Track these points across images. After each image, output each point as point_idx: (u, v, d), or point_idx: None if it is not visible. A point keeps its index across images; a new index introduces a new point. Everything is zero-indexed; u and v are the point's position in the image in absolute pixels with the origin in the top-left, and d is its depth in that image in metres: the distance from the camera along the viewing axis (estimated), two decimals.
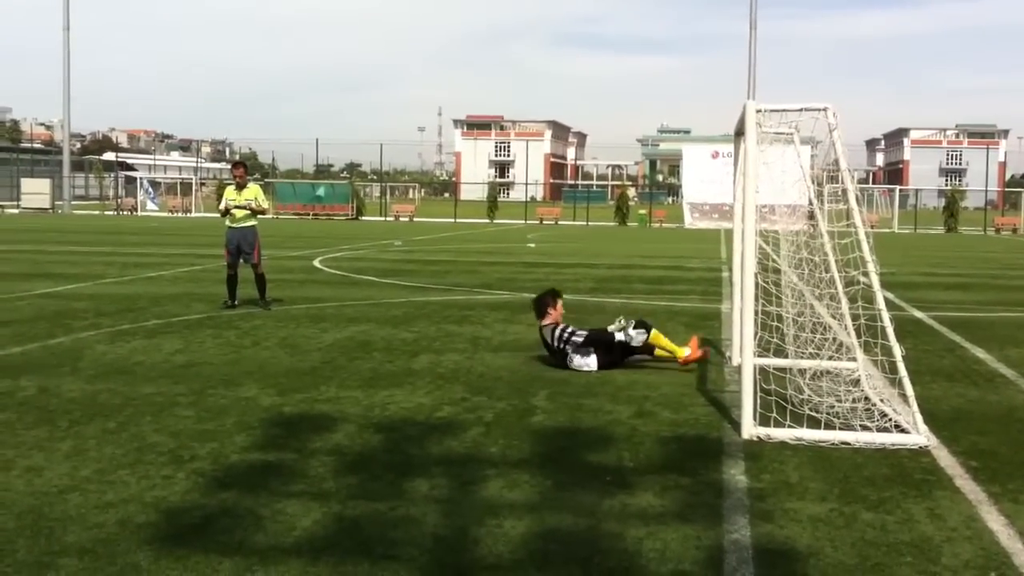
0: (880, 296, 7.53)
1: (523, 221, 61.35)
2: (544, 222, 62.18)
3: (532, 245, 35.16)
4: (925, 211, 74.73)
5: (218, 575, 4.61)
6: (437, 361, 10.38)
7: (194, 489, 5.93)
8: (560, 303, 10.54)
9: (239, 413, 7.89)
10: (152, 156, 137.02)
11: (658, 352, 10.17)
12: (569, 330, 10.12)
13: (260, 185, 15.86)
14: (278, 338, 11.80)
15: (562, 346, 10.03)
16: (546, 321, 10.33)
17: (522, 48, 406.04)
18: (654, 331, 10.16)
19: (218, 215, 15.34)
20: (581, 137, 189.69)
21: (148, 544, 4.98)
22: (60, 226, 44.77)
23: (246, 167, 15.60)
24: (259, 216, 14.88)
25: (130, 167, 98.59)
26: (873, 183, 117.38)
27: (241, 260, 14.66)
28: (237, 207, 14.60)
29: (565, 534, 5.26)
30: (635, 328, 10.01)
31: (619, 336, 9.92)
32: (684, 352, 10.11)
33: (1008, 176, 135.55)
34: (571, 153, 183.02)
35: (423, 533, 5.23)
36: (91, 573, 4.61)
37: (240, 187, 14.78)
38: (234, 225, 14.71)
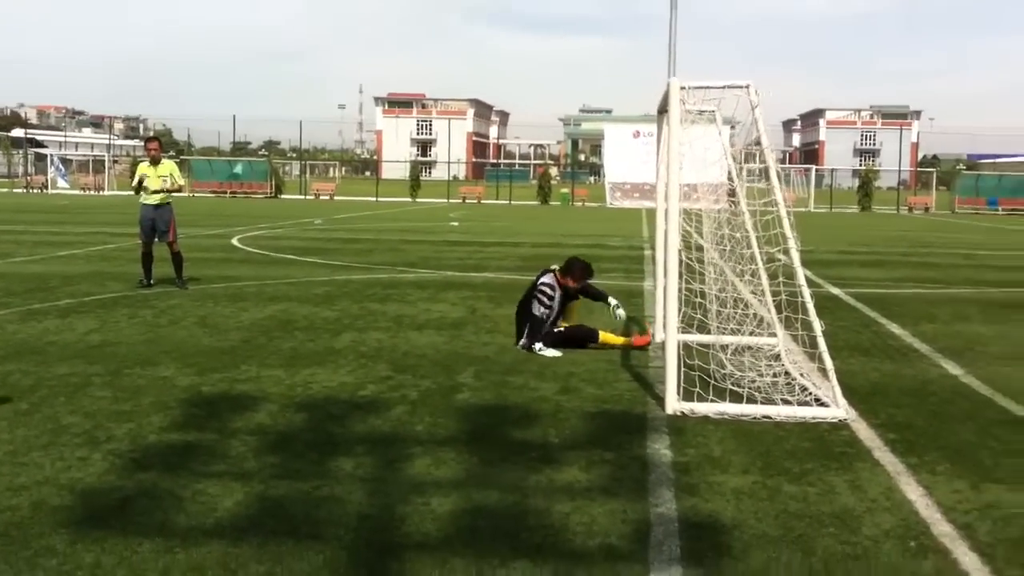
0: (801, 272, 7.63)
1: (446, 200, 61.20)
2: (467, 201, 62.10)
3: (455, 224, 35.07)
4: (840, 191, 76.16)
5: (138, 556, 4.49)
6: (360, 340, 10.27)
7: (111, 471, 5.77)
8: (578, 283, 10.11)
9: (156, 393, 7.71)
10: (63, 133, 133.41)
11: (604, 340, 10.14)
12: (547, 297, 9.88)
13: (175, 162, 15.53)
14: (196, 317, 11.57)
15: (532, 293, 9.95)
16: (561, 278, 10.07)
17: (445, 26, 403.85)
18: (601, 334, 10.06)
19: (132, 192, 14.93)
20: (503, 116, 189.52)
21: (64, 527, 4.83)
22: None
23: (160, 142, 15.24)
24: (174, 194, 14.55)
25: (40, 144, 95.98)
26: (789, 163, 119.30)
27: (156, 239, 14.33)
28: (154, 191, 14.15)
29: (492, 510, 5.23)
30: (548, 348, 9.68)
31: (536, 346, 9.64)
32: (631, 339, 10.18)
33: (920, 156, 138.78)
34: (494, 132, 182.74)
35: (348, 512, 5.16)
36: (4, 557, 4.46)
37: (154, 162, 14.41)
38: (148, 202, 14.35)
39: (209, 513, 5.09)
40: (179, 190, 14.70)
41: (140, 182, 14.31)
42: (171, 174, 14.45)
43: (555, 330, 10.02)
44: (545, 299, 9.90)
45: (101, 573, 4.32)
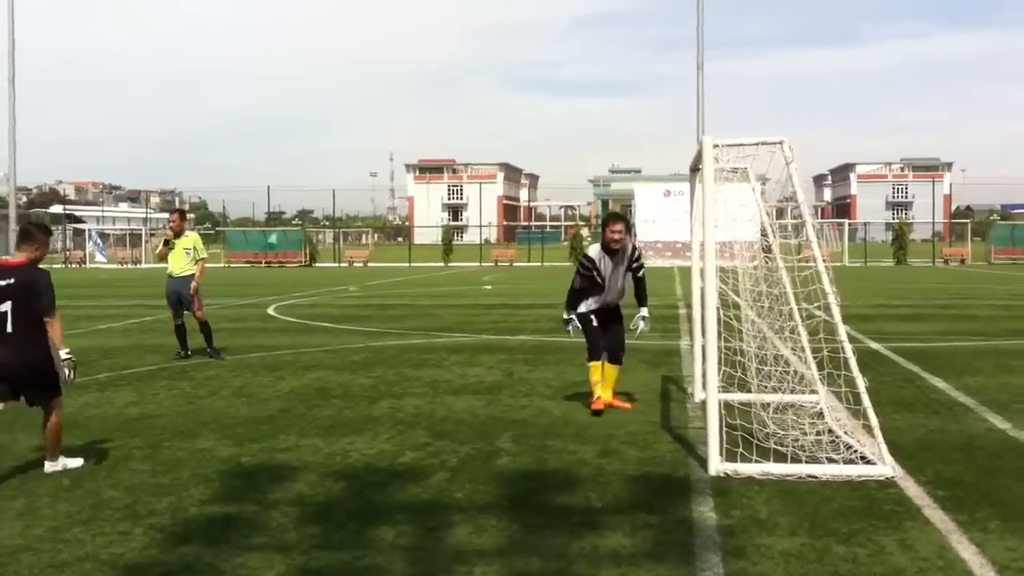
0: (842, 328, 7.54)
1: (478, 263, 61.35)
2: (499, 264, 62.21)
3: (488, 287, 35.12)
4: (874, 244, 75.73)
5: None
6: (397, 406, 10.25)
7: (152, 545, 5.75)
8: (614, 232, 9.79)
9: (196, 465, 7.70)
10: (100, 208, 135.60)
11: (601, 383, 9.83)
12: (580, 271, 10.01)
13: (201, 234, 15.44)
14: (234, 387, 11.60)
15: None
16: (603, 239, 9.96)
17: (473, 91, 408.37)
18: (594, 366, 9.81)
19: (164, 264, 14.71)
20: (533, 179, 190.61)
21: None
22: None
23: (183, 213, 15.18)
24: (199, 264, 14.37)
25: (78, 219, 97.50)
26: (822, 218, 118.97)
27: (185, 310, 14.34)
28: (180, 273, 14.14)
29: None
30: (573, 325, 9.99)
31: (566, 316, 10.02)
32: (601, 396, 9.76)
33: (954, 207, 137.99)
34: (524, 195, 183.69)
35: None
36: None
37: (177, 235, 14.41)
38: (172, 275, 14.36)
39: None
40: (204, 263, 14.57)
41: (165, 245, 14.35)
42: (195, 247, 14.44)
43: (591, 316, 9.95)
44: (578, 276, 9.99)
45: None
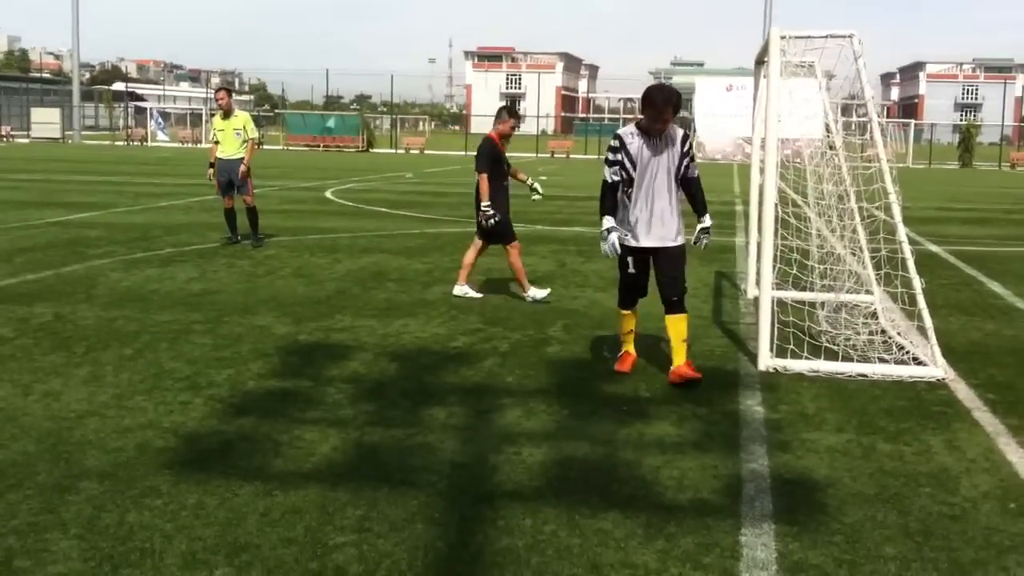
0: (902, 228, 7.46)
1: (534, 154, 60.94)
2: (555, 155, 61.79)
3: (544, 178, 34.89)
4: (940, 146, 74.01)
5: (238, 499, 4.63)
6: (451, 292, 10.35)
7: (212, 415, 5.94)
8: (653, 109, 7.10)
9: (255, 341, 7.89)
10: (161, 87, 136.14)
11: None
12: (607, 156, 7.29)
13: (260, 116, 15.08)
14: (292, 268, 11.78)
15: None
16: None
17: None
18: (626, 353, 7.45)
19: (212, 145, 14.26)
20: (593, 70, 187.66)
21: (167, 468, 5.00)
22: (70, 155, 44.64)
23: (230, 92, 14.46)
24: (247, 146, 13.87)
25: (140, 97, 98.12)
26: (887, 117, 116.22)
27: (236, 192, 13.84)
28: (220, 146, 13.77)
29: (583, 462, 5.26)
30: (609, 239, 7.01)
31: (605, 223, 7.10)
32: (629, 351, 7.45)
33: None
34: (583, 86, 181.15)
35: (441, 460, 5.24)
36: (111, 496, 4.62)
37: (226, 114, 13.85)
38: (222, 156, 13.82)
39: (306, 458, 5.21)
40: (257, 144, 14.21)
41: (216, 142, 13.93)
42: (244, 127, 13.89)
43: (627, 258, 7.16)
44: (607, 162, 7.25)
45: (204, 514, 4.45)
